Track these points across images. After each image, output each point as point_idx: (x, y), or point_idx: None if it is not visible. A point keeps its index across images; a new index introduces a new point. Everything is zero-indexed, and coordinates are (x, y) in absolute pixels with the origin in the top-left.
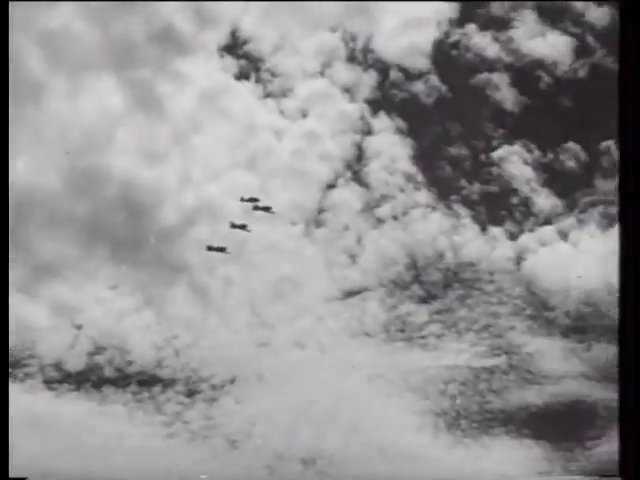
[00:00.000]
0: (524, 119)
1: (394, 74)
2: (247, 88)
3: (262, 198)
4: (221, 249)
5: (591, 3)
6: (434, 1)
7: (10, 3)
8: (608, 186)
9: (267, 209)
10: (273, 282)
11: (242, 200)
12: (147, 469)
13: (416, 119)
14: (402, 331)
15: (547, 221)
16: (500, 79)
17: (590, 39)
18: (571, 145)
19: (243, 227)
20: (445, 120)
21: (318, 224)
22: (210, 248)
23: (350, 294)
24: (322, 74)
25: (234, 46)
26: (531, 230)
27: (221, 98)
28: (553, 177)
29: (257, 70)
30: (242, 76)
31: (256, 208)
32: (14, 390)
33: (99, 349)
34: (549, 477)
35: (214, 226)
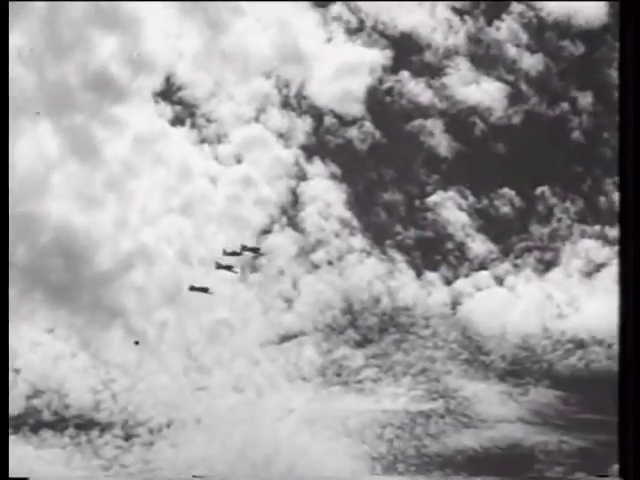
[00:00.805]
0: (458, 165)
1: (328, 120)
2: (182, 134)
3: (197, 243)
4: (204, 289)
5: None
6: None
7: (10, 3)
8: (543, 231)
9: (255, 250)
10: (209, 326)
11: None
12: None
13: (350, 165)
14: (338, 375)
15: (482, 266)
16: (434, 125)
17: (523, 86)
18: (506, 191)
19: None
20: (379, 166)
21: (254, 269)
22: (193, 288)
23: (286, 338)
24: (257, 120)
25: (169, 92)
26: (466, 275)
27: (156, 143)
28: (488, 222)
29: (192, 116)
30: (177, 122)
31: (245, 249)
32: None
33: (37, 392)
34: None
35: (150, 271)
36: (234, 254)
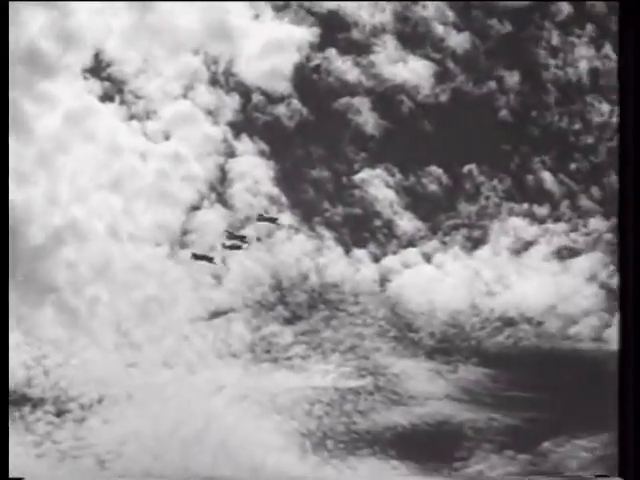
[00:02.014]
0: (386, 143)
1: (256, 97)
2: (111, 110)
3: (127, 219)
4: (242, 238)
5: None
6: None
7: (10, 3)
8: (470, 209)
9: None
10: (140, 302)
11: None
12: None
13: (278, 142)
14: (268, 352)
15: (411, 244)
16: (361, 103)
17: (450, 64)
18: (433, 169)
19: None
20: (307, 143)
21: (183, 245)
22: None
23: (216, 315)
24: (185, 96)
25: (98, 68)
26: (395, 252)
27: (86, 120)
28: (416, 200)
29: (121, 92)
30: (106, 98)
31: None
32: None
33: None
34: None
35: (81, 246)
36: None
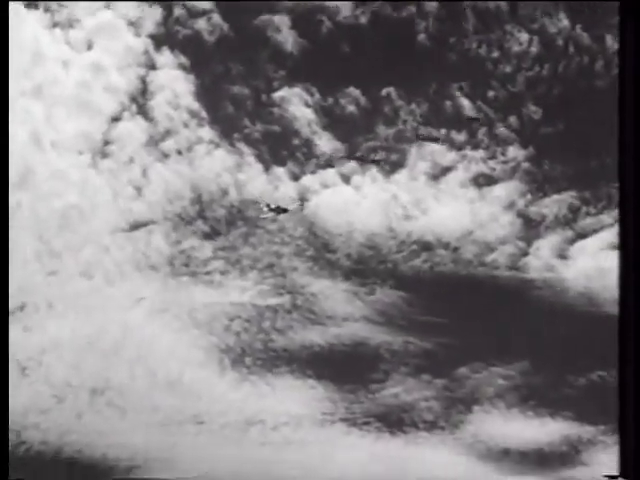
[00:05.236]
0: (305, 62)
1: (178, 11)
2: (35, 17)
3: (48, 127)
4: (375, 161)
5: None
6: None
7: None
8: (388, 132)
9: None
10: (60, 211)
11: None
12: None
13: (199, 56)
14: (187, 266)
15: (329, 164)
16: (281, 21)
17: None
18: (351, 90)
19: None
20: (227, 59)
21: (104, 155)
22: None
23: (135, 226)
24: (107, 7)
25: None
26: (313, 172)
27: (10, 26)
28: (334, 121)
29: None
30: (31, 5)
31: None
32: None
33: None
34: None
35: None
36: None
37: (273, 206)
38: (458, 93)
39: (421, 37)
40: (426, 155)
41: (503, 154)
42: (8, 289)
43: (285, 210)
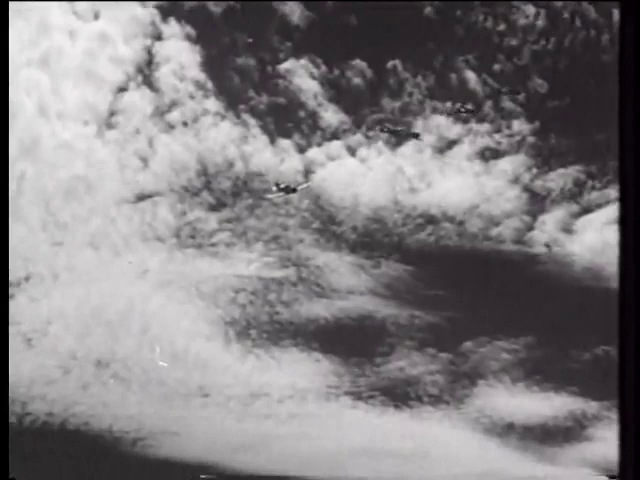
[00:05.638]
0: (311, 34)
1: None
2: None
3: (55, 98)
4: (415, 135)
5: None
6: None
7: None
8: (394, 105)
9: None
10: (66, 182)
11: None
12: None
13: (205, 27)
14: (193, 237)
15: (335, 136)
16: None
17: None
18: (357, 62)
19: (416, 136)
20: (233, 30)
21: (110, 126)
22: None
23: (141, 198)
24: None
25: None
26: (319, 144)
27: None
28: (340, 93)
29: None
30: None
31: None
32: None
33: None
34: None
35: (10, 123)
36: None
37: (282, 185)
38: (464, 66)
39: (427, 10)
40: (432, 128)
41: (509, 128)
42: (8, 289)
43: (294, 190)
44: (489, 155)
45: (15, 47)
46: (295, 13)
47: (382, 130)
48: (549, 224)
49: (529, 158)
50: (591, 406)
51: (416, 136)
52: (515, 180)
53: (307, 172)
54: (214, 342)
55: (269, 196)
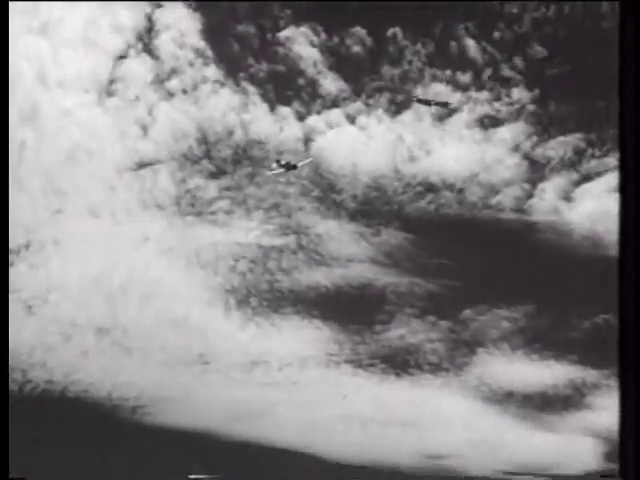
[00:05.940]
0: (311, 2)
1: None
2: None
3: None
4: (444, 104)
5: None
6: None
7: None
8: (394, 73)
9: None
10: (67, 149)
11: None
12: None
13: None
14: (192, 205)
15: (334, 104)
16: None
17: None
18: (357, 30)
19: (445, 105)
20: None
21: (109, 94)
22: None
23: (142, 166)
24: None
25: None
26: (319, 112)
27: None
28: (339, 61)
29: None
30: None
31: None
32: None
33: None
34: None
35: (10, 90)
36: None
37: (283, 162)
38: (463, 33)
39: None
40: (431, 96)
41: (508, 96)
42: (8, 288)
43: (295, 167)
44: (489, 123)
45: (15, 15)
46: None
47: (412, 99)
48: (549, 192)
49: (529, 126)
50: (591, 374)
51: (446, 105)
52: (515, 148)
53: (307, 140)
54: (214, 310)
55: (271, 173)
